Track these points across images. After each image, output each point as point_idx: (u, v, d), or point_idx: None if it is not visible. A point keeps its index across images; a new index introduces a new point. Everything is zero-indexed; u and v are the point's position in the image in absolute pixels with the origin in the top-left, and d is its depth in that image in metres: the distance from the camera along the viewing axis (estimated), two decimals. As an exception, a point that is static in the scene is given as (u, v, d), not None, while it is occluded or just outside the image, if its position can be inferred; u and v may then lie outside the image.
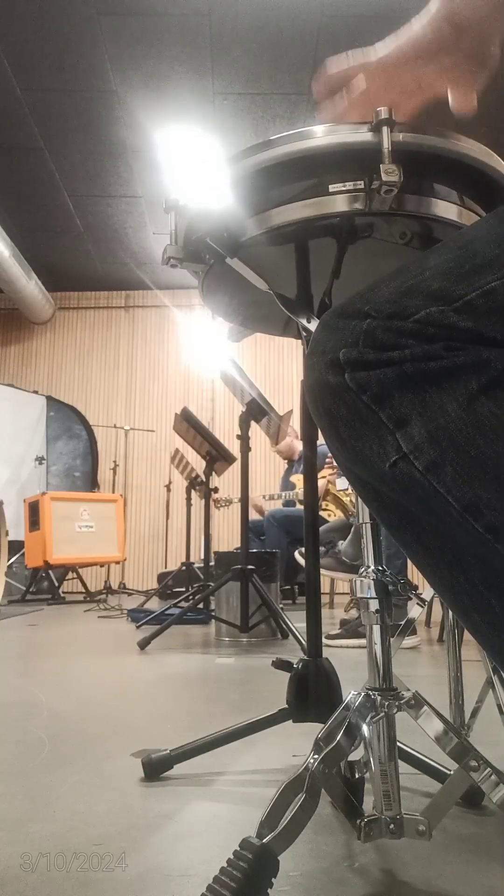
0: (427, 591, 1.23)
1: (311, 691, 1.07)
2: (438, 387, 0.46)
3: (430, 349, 0.46)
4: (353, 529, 3.09)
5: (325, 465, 3.60)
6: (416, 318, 0.47)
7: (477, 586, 0.48)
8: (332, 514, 3.86)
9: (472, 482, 0.45)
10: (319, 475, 3.58)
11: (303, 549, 1.20)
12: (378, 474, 0.50)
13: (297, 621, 2.46)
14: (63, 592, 5.17)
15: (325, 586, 4.71)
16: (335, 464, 3.30)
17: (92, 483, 6.55)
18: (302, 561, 2.94)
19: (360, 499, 0.80)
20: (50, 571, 5.01)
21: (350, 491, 3.40)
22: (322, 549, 2.83)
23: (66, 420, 6.58)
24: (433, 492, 0.46)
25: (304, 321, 0.79)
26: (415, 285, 0.49)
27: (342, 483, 3.40)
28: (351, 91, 0.70)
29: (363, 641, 0.75)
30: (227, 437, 3.71)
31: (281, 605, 2.89)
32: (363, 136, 0.67)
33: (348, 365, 0.49)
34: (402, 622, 1.16)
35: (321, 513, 3.84)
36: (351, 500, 3.43)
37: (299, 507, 4.58)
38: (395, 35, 0.67)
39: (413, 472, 0.47)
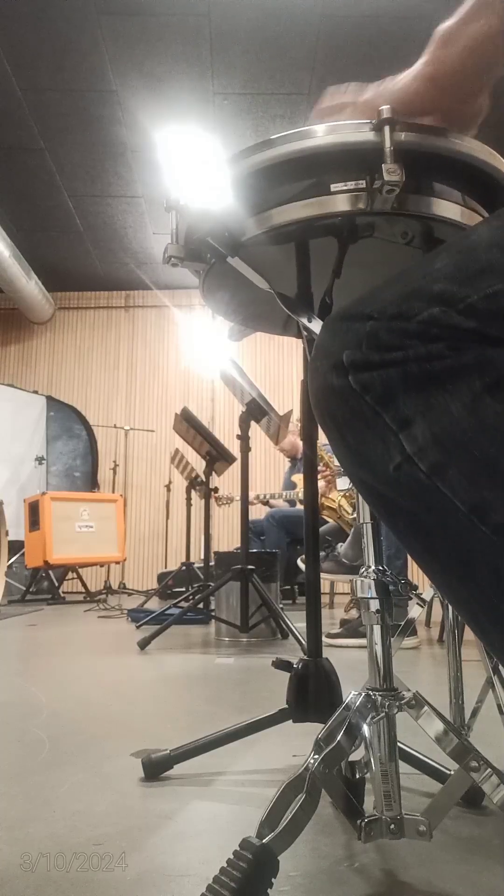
0: (427, 591, 1.23)
1: (311, 691, 1.06)
2: (442, 387, 0.46)
3: (434, 349, 0.46)
4: (352, 530, 3.09)
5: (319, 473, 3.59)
6: (420, 319, 0.47)
7: (484, 590, 0.47)
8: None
9: (477, 483, 0.45)
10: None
11: (304, 557, 1.20)
12: (383, 478, 0.49)
13: (297, 621, 2.46)
14: (63, 592, 5.17)
15: (325, 587, 4.71)
16: (327, 470, 3.30)
17: (92, 483, 6.55)
18: (304, 567, 2.96)
19: (361, 501, 0.80)
20: (50, 571, 5.01)
21: (348, 493, 3.39)
22: (322, 553, 2.83)
23: (66, 420, 6.58)
24: (438, 494, 0.46)
25: (304, 320, 0.79)
26: (418, 288, 0.49)
27: (343, 483, 3.39)
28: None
29: (363, 641, 0.75)
30: (227, 437, 3.71)
31: (281, 605, 2.88)
32: (365, 135, 0.66)
33: (352, 366, 0.49)
34: (403, 622, 1.16)
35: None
36: (342, 507, 3.43)
37: (300, 506, 4.58)
38: (388, 80, 0.68)
39: (417, 474, 0.47)
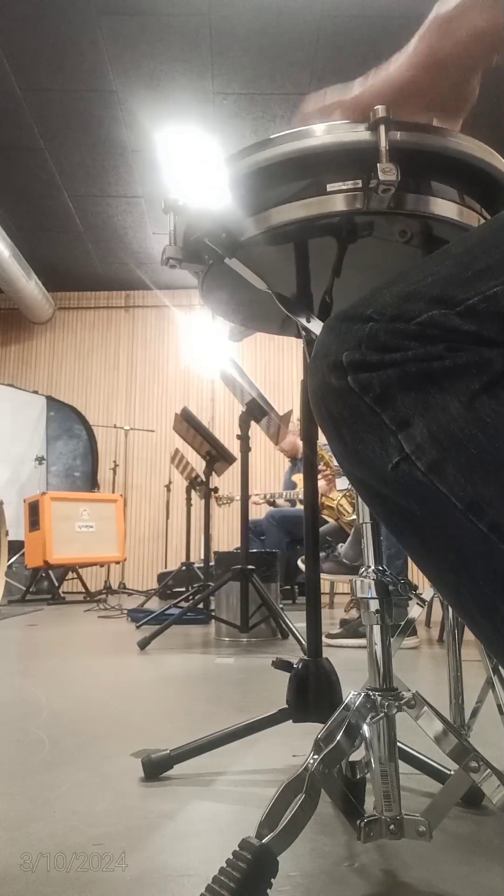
0: (427, 591, 1.23)
1: (311, 691, 1.06)
2: (440, 387, 0.46)
3: (433, 350, 0.47)
4: (353, 531, 3.09)
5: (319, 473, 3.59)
6: (419, 321, 0.48)
7: (482, 588, 0.48)
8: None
9: (473, 480, 0.45)
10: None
11: (304, 557, 1.20)
12: (381, 477, 0.50)
13: (297, 621, 2.46)
14: (63, 592, 5.17)
15: (325, 587, 4.70)
16: (327, 470, 3.30)
17: (92, 483, 6.55)
18: (304, 567, 2.96)
19: (361, 501, 0.80)
20: (50, 571, 5.01)
21: (348, 493, 3.40)
22: (322, 553, 2.83)
23: (66, 420, 6.58)
24: (435, 492, 0.46)
25: (303, 320, 0.79)
26: (417, 290, 0.49)
27: (342, 483, 3.40)
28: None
29: (363, 641, 0.75)
30: (227, 437, 3.71)
31: (281, 605, 2.88)
32: (360, 134, 0.66)
33: (351, 367, 0.50)
34: (403, 622, 1.16)
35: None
36: (342, 506, 3.43)
37: (300, 506, 4.57)
38: (375, 72, 0.67)
39: (415, 472, 0.47)
